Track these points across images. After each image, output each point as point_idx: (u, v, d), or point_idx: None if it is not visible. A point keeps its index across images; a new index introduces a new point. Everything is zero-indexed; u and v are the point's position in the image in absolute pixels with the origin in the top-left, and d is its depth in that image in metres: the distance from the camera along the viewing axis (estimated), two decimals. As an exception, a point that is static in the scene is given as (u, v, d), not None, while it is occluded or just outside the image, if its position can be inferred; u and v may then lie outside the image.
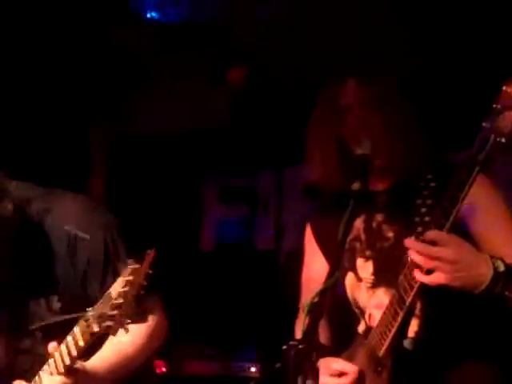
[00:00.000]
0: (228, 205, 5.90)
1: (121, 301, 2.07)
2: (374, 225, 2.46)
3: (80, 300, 2.38)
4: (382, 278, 2.42)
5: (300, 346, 1.82)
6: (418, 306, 2.28)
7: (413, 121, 2.44)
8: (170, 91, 5.61)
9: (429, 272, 2.14)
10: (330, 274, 2.04)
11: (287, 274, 5.26)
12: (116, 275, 2.36)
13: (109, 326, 2.11)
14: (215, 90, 5.57)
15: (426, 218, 2.22)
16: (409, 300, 2.19)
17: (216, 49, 5.26)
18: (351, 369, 2.35)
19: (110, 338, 2.34)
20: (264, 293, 5.42)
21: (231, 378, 4.92)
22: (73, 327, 2.29)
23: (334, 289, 2.07)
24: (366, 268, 2.46)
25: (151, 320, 2.43)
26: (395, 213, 2.43)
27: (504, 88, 2.04)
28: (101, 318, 2.11)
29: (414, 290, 2.17)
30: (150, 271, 2.08)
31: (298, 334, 2.22)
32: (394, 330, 2.24)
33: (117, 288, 2.10)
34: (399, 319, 2.22)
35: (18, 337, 2.45)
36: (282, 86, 5.41)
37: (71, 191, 2.53)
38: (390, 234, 2.43)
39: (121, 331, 2.14)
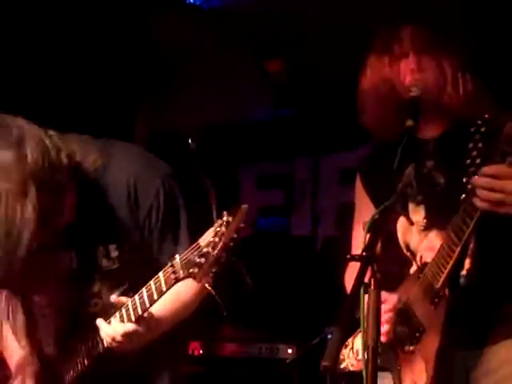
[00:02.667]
0: (265, 192, 5.96)
1: (209, 250, 2.08)
2: (425, 171, 2.50)
3: (138, 250, 2.42)
4: (433, 221, 2.46)
5: (364, 254, 1.87)
6: (472, 244, 2.33)
7: (467, 67, 2.48)
8: (211, 85, 5.67)
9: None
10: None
11: (323, 259, 5.34)
12: (175, 225, 2.42)
13: (194, 273, 2.12)
14: (258, 81, 5.62)
15: (478, 161, 2.25)
16: (466, 234, 2.22)
17: (258, 40, 5.30)
18: (390, 297, 2.42)
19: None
20: (300, 278, 5.46)
21: (267, 360, 4.96)
22: (129, 278, 2.37)
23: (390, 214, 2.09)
24: (417, 212, 2.51)
25: None
26: (445, 159, 2.47)
27: None
28: (187, 264, 2.13)
29: (472, 223, 2.20)
30: (242, 225, 2.06)
31: (349, 287, 2.27)
32: (451, 263, 2.28)
33: (207, 237, 2.10)
34: (455, 255, 2.26)
35: (86, 281, 2.49)
36: (321, 75, 5.46)
37: (127, 142, 2.55)
38: (441, 180, 2.47)
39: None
